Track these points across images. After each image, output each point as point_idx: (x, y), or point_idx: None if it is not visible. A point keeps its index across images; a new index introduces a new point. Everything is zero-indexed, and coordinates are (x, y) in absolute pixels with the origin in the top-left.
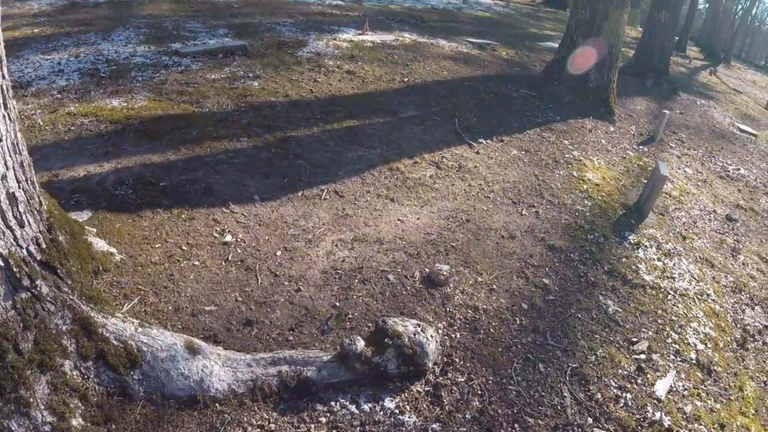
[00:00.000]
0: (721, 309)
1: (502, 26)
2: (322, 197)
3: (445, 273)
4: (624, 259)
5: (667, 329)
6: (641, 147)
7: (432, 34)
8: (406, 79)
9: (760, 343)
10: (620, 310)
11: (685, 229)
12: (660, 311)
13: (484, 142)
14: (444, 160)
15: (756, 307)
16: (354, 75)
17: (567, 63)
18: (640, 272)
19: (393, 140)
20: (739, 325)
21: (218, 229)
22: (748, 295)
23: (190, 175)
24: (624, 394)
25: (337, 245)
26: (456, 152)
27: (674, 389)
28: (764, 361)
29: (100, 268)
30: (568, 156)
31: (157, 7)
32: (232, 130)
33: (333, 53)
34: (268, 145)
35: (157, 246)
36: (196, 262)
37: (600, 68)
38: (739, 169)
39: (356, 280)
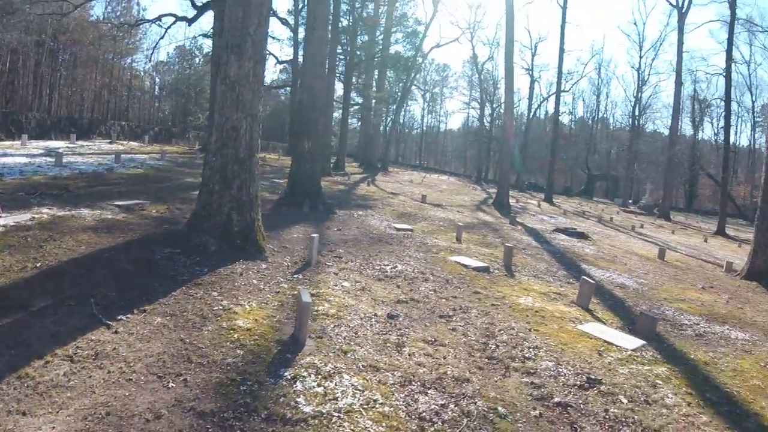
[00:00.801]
0: (391, 409)
1: (155, 181)
2: None
3: None
4: (282, 399)
5: None
6: (296, 276)
7: (75, 204)
8: (39, 264)
9: (439, 423)
10: None
11: (347, 344)
12: None
13: (124, 318)
14: (79, 350)
15: (429, 391)
16: None
17: (208, 211)
18: (300, 406)
19: (21, 342)
20: (414, 416)
21: None
22: (419, 383)
23: None
24: None
25: None
26: (92, 338)
27: None
28: None
29: None
30: (217, 308)
31: None
32: None
33: None
34: None
35: None
36: None
37: (241, 210)
38: (396, 266)
39: None
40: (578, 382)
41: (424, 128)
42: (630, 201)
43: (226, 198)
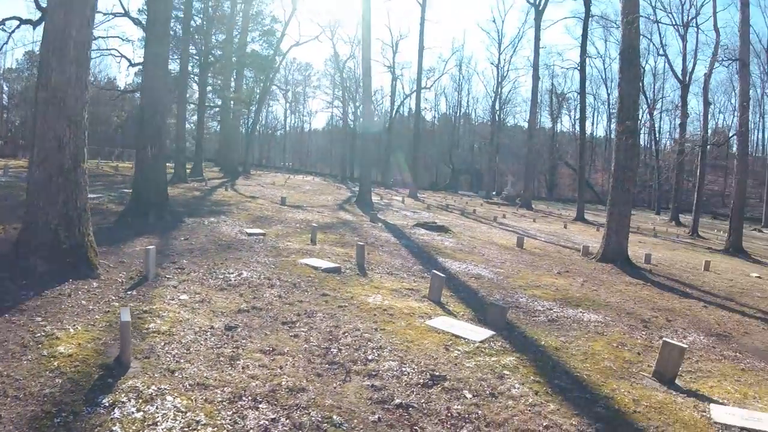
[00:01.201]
0: (215, 429)
1: None
2: None
3: None
4: (97, 429)
5: None
6: (130, 292)
7: None
8: None
9: None
10: None
11: (176, 362)
12: None
13: None
14: None
15: (260, 405)
16: None
17: (34, 230)
18: None
19: None
20: None
21: None
22: (250, 398)
23: None
24: None
25: None
26: None
27: None
28: None
29: None
30: (39, 335)
31: None
32: None
33: None
34: None
35: None
36: None
37: (69, 226)
38: (241, 274)
39: None
40: (422, 381)
41: (288, 129)
42: (494, 193)
43: (52, 214)
